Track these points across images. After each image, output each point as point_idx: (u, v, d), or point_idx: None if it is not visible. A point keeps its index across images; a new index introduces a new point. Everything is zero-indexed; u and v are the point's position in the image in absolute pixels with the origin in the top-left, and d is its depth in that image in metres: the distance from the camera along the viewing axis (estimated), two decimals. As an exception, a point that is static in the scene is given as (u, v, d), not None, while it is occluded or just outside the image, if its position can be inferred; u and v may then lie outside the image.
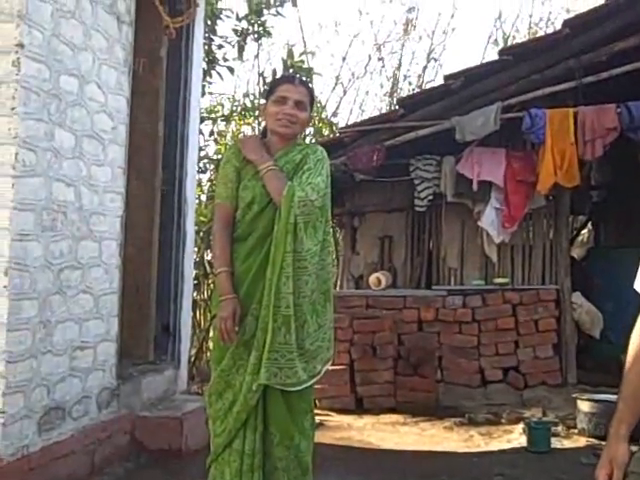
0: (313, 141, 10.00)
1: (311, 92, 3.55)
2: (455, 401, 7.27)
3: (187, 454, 5.19)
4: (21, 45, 3.90)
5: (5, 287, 3.83)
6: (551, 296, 7.45)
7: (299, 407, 3.38)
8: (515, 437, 6.16)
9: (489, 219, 7.54)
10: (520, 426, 6.28)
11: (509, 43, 13.82)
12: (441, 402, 7.30)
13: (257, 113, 9.78)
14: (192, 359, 7.99)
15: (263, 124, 3.75)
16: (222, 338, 3.29)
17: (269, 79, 9.93)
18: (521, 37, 14.39)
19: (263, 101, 3.69)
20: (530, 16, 15.26)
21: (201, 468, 3.73)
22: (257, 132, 9.71)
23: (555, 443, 5.87)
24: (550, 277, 7.63)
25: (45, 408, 4.19)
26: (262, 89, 10.36)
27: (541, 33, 13.61)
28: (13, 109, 3.88)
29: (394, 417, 7.05)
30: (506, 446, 5.98)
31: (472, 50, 24.00)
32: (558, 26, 8.26)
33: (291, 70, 9.20)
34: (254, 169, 3.42)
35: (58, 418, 4.32)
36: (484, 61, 10.76)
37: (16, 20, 3.88)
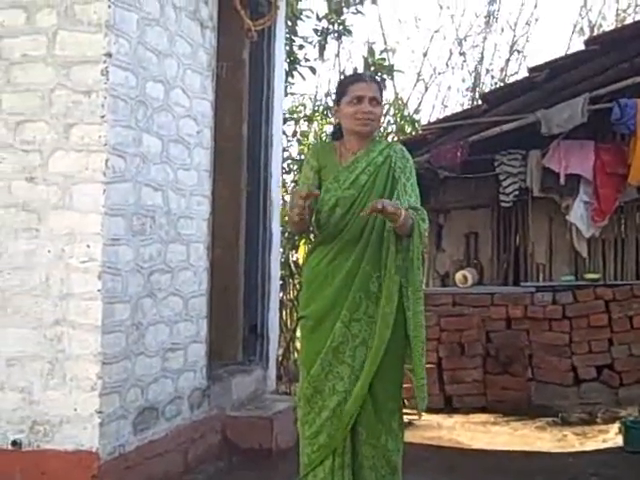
0: (395, 139, 9.94)
1: (381, 86, 3.61)
2: (547, 400, 7.12)
3: (277, 453, 5.24)
4: (109, 54, 3.99)
5: (99, 291, 3.93)
6: (646, 292, 7.24)
7: (386, 407, 3.37)
8: (611, 437, 6.00)
9: (578, 213, 7.39)
10: (616, 425, 6.11)
11: (595, 32, 13.45)
12: (533, 401, 7.17)
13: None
14: (280, 359, 8.05)
15: (331, 127, 3.77)
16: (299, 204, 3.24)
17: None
18: (608, 25, 13.98)
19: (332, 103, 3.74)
20: (617, 2, 14.81)
21: (291, 467, 3.75)
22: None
23: (653, 443, 5.69)
24: (645, 272, 7.42)
25: (139, 408, 4.28)
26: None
27: (629, 20, 13.23)
28: (103, 117, 3.97)
29: (484, 416, 6.96)
30: (602, 446, 5.83)
31: (557, 41, 23.47)
32: (647, 12, 7.98)
33: (372, 68, 9.16)
34: (334, 171, 3.44)
35: (152, 418, 4.41)
36: (570, 52, 10.52)
37: (104, 30, 3.98)
